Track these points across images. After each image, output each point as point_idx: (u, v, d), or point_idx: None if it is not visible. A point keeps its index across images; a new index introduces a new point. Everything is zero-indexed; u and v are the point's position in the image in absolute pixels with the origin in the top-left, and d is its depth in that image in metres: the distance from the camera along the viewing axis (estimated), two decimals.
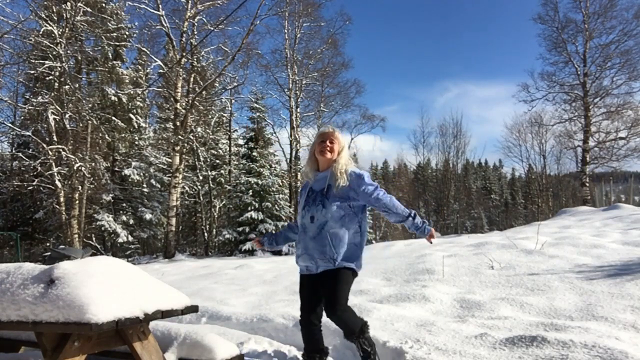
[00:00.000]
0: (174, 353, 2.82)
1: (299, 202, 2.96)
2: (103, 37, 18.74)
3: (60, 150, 15.59)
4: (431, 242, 2.93)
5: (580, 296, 4.16)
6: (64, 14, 16.72)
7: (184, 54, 18.25)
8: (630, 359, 2.63)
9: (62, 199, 16.16)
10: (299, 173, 24.97)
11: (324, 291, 2.76)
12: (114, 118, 20.24)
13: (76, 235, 15.90)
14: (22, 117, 20.25)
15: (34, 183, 17.28)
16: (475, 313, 3.98)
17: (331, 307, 2.71)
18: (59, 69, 16.47)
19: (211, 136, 24.33)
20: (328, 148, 2.84)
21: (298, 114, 25.16)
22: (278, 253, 17.78)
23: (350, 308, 2.79)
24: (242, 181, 19.16)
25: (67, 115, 16.44)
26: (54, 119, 16.30)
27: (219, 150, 26.67)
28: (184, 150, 19.04)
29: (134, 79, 21.58)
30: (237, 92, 25.20)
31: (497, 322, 3.64)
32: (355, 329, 2.74)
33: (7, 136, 21.81)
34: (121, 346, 2.61)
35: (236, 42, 20.02)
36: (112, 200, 20.04)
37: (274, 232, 3.19)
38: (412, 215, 2.80)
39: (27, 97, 20.35)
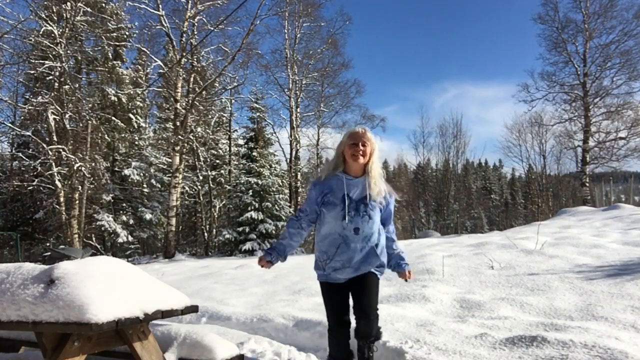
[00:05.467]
0: (174, 353, 2.82)
1: (326, 205, 2.66)
2: (103, 37, 18.73)
3: (60, 150, 15.59)
4: (406, 280, 2.86)
5: (580, 296, 4.16)
6: (64, 14, 16.73)
7: (184, 54, 18.25)
8: (630, 359, 2.63)
9: (62, 199, 16.16)
10: (298, 173, 24.98)
11: (360, 292, 2.65)
12: (114, 118, 20.24)
13: (76, 235, 15.90)
14: (22, 117, 20.24)
15: (34, 183, 17.29)
16: (475, 313, 3.98)
17: (367, 310, 2.62)
18: (59, 69, 16.47)
19: (211, 136, 24.34)
20: (361, 152, 2.63)
21: (298, 114, 25.15)
22: None
23: (378, 315, 2.74)
24: (242, 181, 19.15)
25: (67, 115, 16.44)
26: (54, 119, 16.30)
27: (219, 150, 26.67)
28: (184, 150, 19.04)
29: (134, 79, 21.58)
30: (237, 92, 25.24)
31: (497, 322, 3.64)
32: (374, 332, 2.69)
33: (7, 136, 21.84)
34: (121, 346, 2.61)
35: (236, 42, 20.04)
36: (112, 200, 20.04)
37: (276, 245, 2.87)
38: (401, 252, 2.85)
39: (27, 97, 20.36)
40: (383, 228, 2.77)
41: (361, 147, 2.63)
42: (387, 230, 2.80)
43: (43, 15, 16.58)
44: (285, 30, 24.40)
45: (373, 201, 2.64)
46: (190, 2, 18.39)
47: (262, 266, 2.78)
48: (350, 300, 2.72)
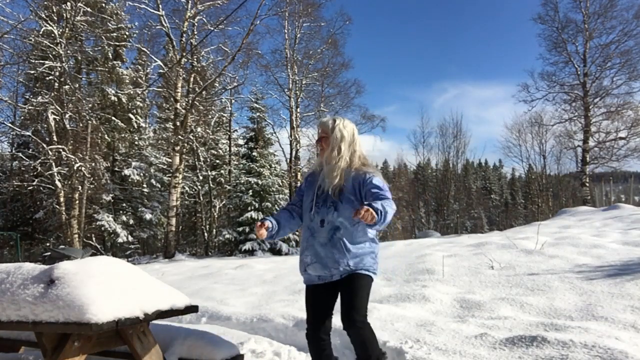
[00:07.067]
0: (174, 353, 2.82)
1: (304, 196, 2.63)
2: (103, 37, 18.73)
3: (60, 150, 15.59)
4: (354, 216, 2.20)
5: (580, 296, 4.16)
6: (64, 14, 16.73)
7: (184, 54, 18.25)
8: (630, 359, 2.63)
9: (62, 199, 16.16)
10: (299, 173, 24.98)
11: (345, 297, 2.44)
12: (114, 118, 20.24)
13: (76, 235, 15.89)
14: (22, 117, 20.26)
15: (34, 183, 17.30)
16: (475, 313, 3.98)
17: (349, 316, 2.38)
18: (59, 69, 16.47)
19: (211, 136, 24.32)
20: (319, 148, 2.55)
21: (298, 114, 25.14)
22: (278, 253, 17.78)
23: (370, 326, 2.46)
24: (242, 181, 19.15)
25: (67, 115, 16.44)
26: (54, 119, 16.30)
27: (219, 150, 26.66)
28: (184, 150, 19.03)
29: (134, 79, 21.58)
30: (237, 92, 25.21)
31: (497, 322, 3.64)
32: (371, 353, 2.39)
33: (7, 136, 21.85)
34: (121, 346, 2.61)
35: (236, 42, 20.01)
36: (112, 200, 20.04)
37: (273, 224, 2.55)
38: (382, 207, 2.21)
39: (27, 97, 20.38)
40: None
41: (321, 144, 2.54)
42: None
43: (43, 15, 16.58)
44: (285, 30, 24.38)
45: (344, 191, 2.41)
46: (190, 2, 18.38)
47: (260, 234, 2.45)
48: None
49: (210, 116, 24.11)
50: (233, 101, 26.24)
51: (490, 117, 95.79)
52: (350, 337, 2.43)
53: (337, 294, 2.55)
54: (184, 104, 18.64)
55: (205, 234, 23.44)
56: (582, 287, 4.40)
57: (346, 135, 2.51)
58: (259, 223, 2.48)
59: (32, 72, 18.00)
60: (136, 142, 22.36)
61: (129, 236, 19.67)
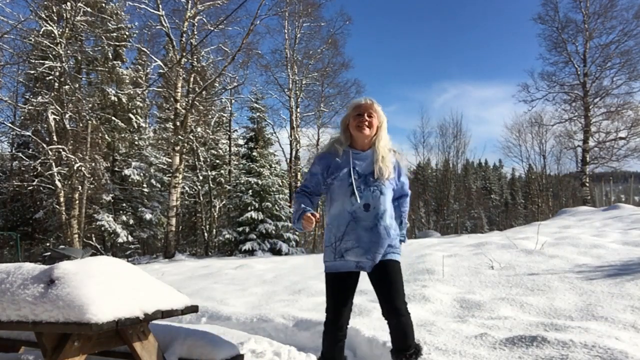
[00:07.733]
0: (174, 353, 2.82)
1: (334, 179, 2.48)
2: (103, 37, 18.73)
3: (60, 150, 15.59)
4: None
5: (580, 296, 4.16)
6: (64, 14, 16.72)
7: (184, 54, 18.25)
8: (630, 359, 2.63)
9: (62, 199, 16.15)
10: (299, 173, 24.97)
11: (384, 284, 2.40)
12: (114, 118, 20.24)
13: (76, 235, 15.89)
14: (22, 117, 20.26)
15: (34, 183, 17.29)
16: (475, 313, 3.98)
17: (394, 306, 2.36)
18: (59, 69, 16.46)
19: (211, 136, 24.32)
20: (366, 122, 2.45)
21: (298, 114, 25.16)
22: (278, 253, 17.78)
23: (410, 315, 2.43)
24: (242, 181, 19.15)
25: (67, 115, 16.43)
26: (54, 119, 16.30)
27: (219, 150, 26.67)
28: (184, 150, 19.03)
29: (134, 79, 21.58)
30: (237, 92, 25.24)
31: (497, 322, 3.64)
32: (411, 343, 2.39)
33: (7, 136, 21.86)
34: (121, 346, 2.61)
35: (236, 42, 20.03)
36: (112, 200, 20.03)
37: (303, 206, 2.50)
38: (405, 224, 2.71)
39: (27, 97, 20.38)
40: (394, 201, 2.60)
41: (367, 118, 2.46)
42: (400, 203, 2.64)
43: (43, 15, 16.57)
44: (285, 30, 24.40)
45: (382, 175, 2.44)
46: (190, 2, 18.38)
47: (311, 223, 2.41)
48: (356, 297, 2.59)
49: (210, 116, 24.12)
50: (233, 101, 26.28)
51: (490, 117, 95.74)
52: (392, 327, 2.40)
53: (357, 283, 2.55)
54: (184, 104, 18.64)
55: (205, 234, 23.44)
56: (582, 287, 4.40)
57: (384, 118, 2.56)
58: (309, 215, 2.38)
59: (32, 72, 17.99)
60: (136, 142, 22.35)
61: (129, 236, 19.66)
